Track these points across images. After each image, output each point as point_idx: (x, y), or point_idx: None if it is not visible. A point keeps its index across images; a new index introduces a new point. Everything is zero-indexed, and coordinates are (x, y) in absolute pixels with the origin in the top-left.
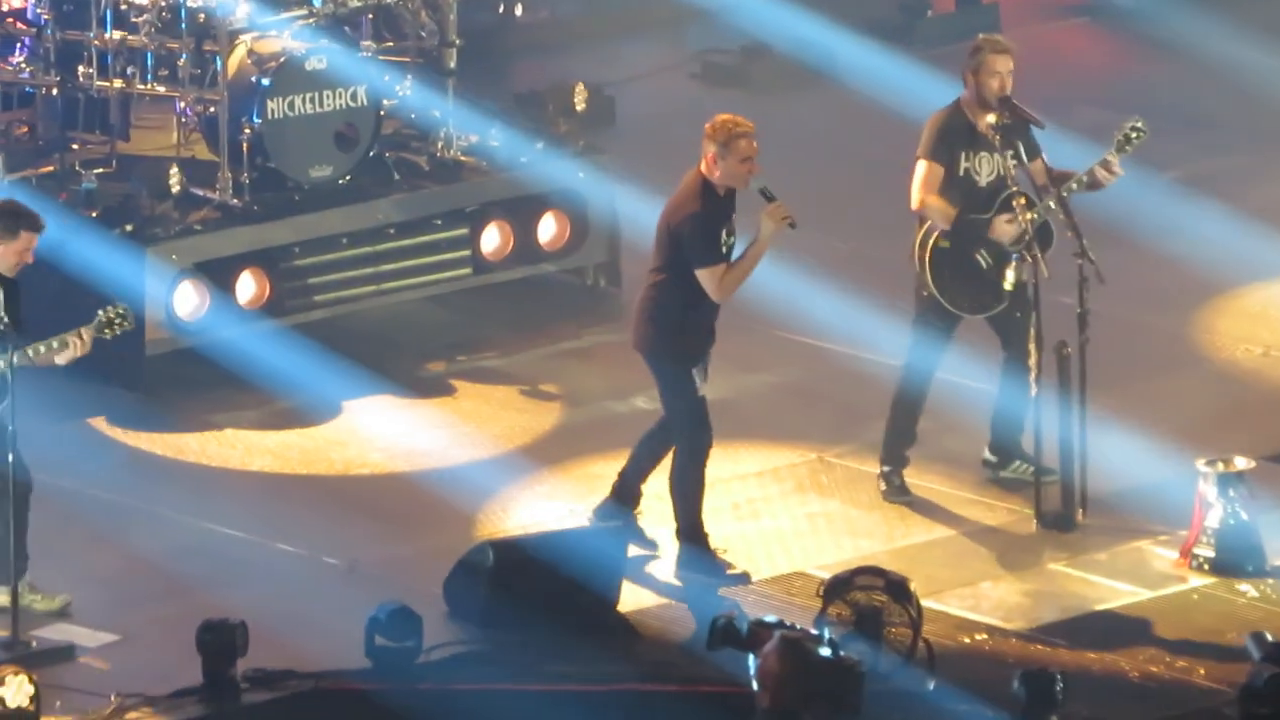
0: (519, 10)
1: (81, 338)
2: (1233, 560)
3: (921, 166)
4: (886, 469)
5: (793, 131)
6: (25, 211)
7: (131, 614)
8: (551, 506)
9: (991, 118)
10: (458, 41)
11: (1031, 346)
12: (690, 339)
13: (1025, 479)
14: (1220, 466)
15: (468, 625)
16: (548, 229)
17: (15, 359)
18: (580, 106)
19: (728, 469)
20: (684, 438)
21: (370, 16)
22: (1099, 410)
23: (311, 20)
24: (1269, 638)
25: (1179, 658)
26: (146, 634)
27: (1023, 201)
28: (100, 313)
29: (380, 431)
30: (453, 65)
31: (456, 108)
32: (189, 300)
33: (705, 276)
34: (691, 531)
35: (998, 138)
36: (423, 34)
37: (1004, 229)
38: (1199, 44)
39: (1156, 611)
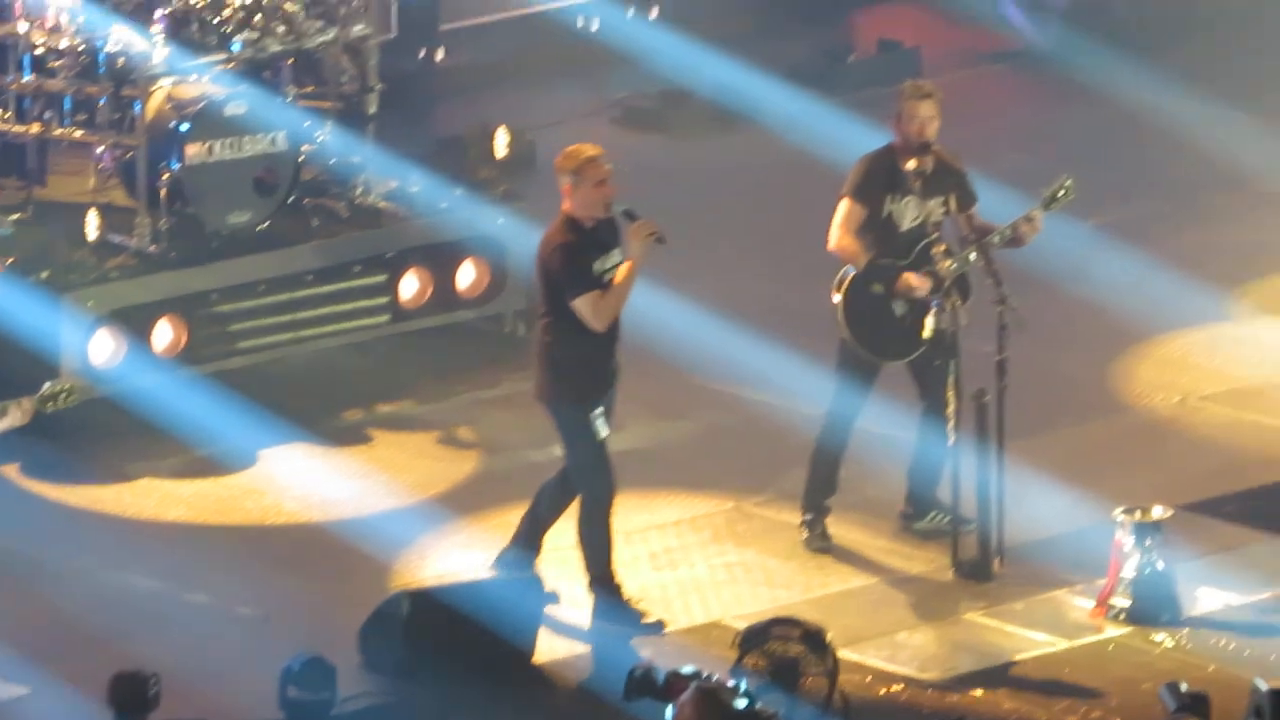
0: (439, 55)
1: (21, 406)
2: (1149, 610)
3: (843, 206)
4: (808, 517)
5: (714, 177)
6: None
7: (42, 666)
8: (468, 556)
9: (913, 163)
10: (378, 86)
11: (950, 395)
12: (584, 380)
13: (943, 529)
14: (1138, 515)
15: (383, 676)
16: (466, 276)
17: None
18: (501, 152)
19: (645, 518)
20: (585, 486)
21: (290, 61)
22: (1017, 459)
23: (231, 65)
24: (1184, 688)
25: (1095, 708)
26: (57, 687)
27: (942, 249)
28: (47, 385)
29: (296, 480)
30: (373, 110)
31: (376, 153)
32: (105, 348)
33: (580, 306)
34: (603, 581)
35: (919, 183)
36: (343, 79)
37: (913, 282)
38: (1119, 90)
39: (1072, 661)
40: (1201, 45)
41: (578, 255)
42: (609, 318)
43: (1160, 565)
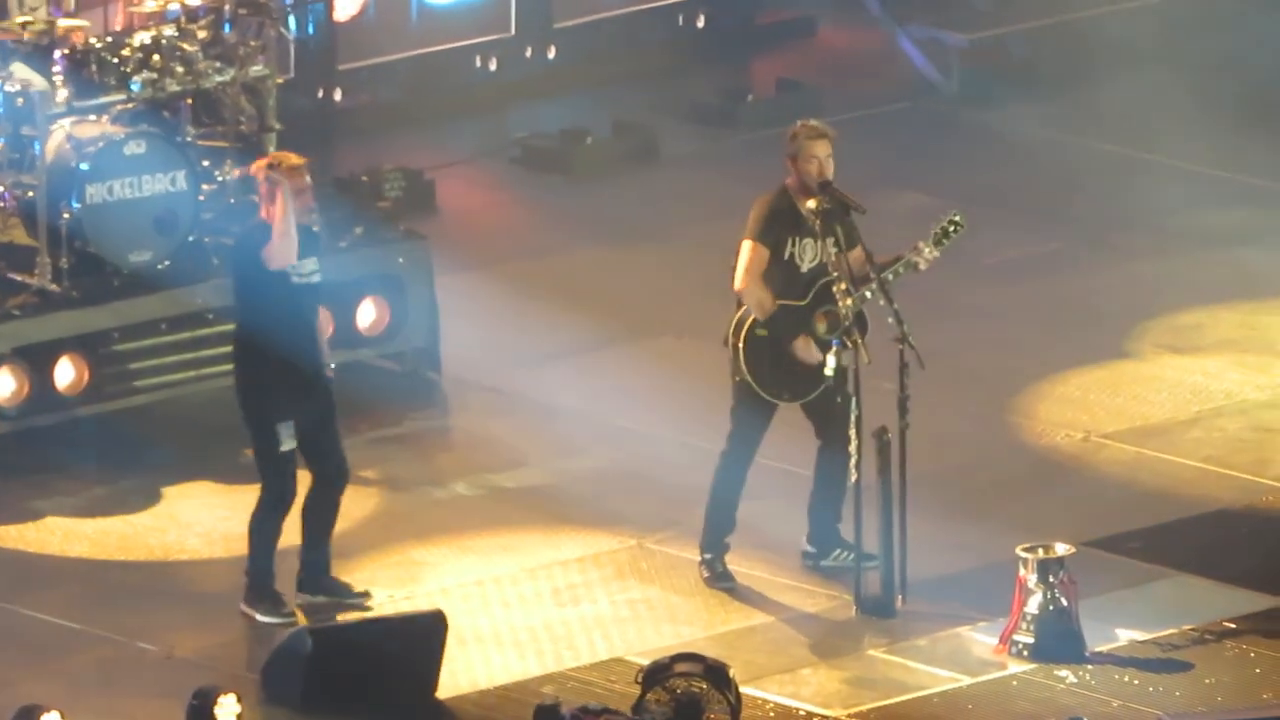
0: (338, 95)
1: None
2: (1052, 647)
3: (747, 248)
4: (708, 556)
5: (614, 216)
6: None
7: None
8: (371, 594)
9: (812, 203)
10: (277, 126)
11: (852, 432)
12: (276, 389)
13: (846, 566)
14: (1041, 552)
15: (286, 712)
16: (367, 314)
17: None
18: (399, 191)
19: (548, 554)
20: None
21: (189, 101)
22: (919, 496)
23: (131, 105)
24: None
25: None
26: None
27: (842, 287)
28: None
29: (199, 517)
30: (272, 150)
31: None
32: (8, 386)
33: None
34: (259, 574)
35: (818, 222)
36: (242, 119)
37: (801, 355)
38: (1018, 130)
39: (976, 698)
40: (1098, 86)
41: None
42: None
43: (1064, 602)
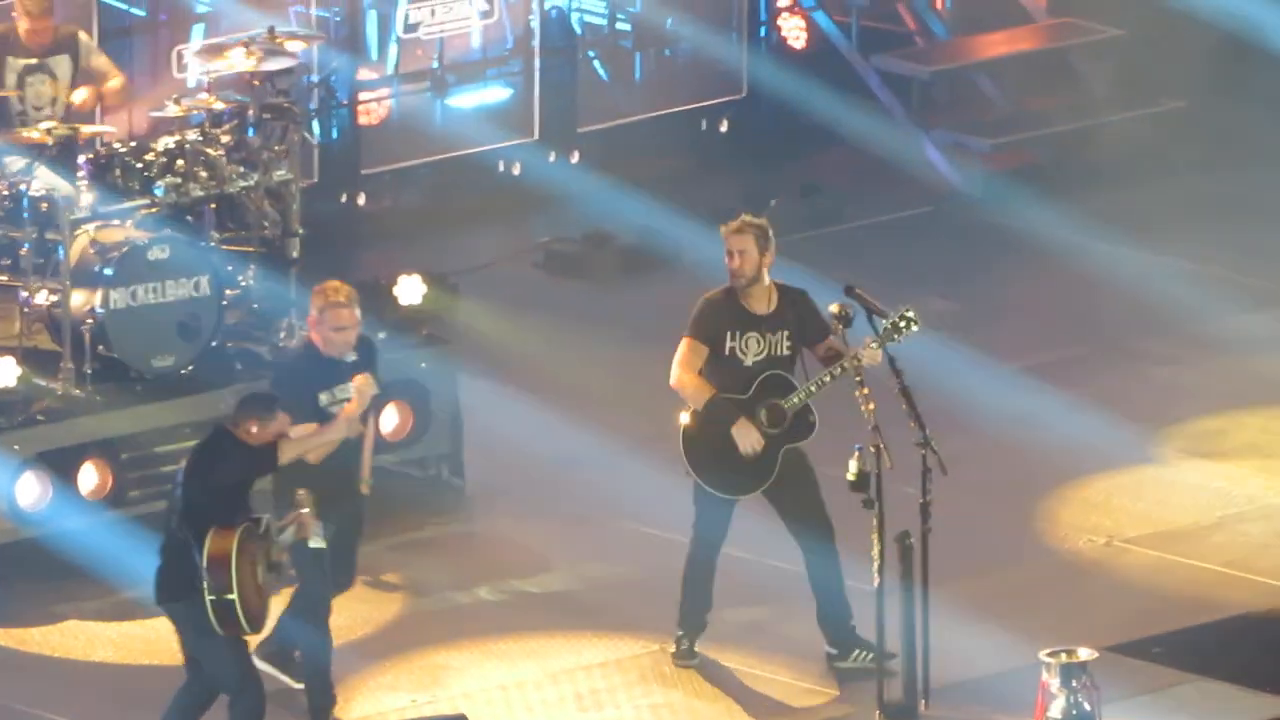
0: (361, 199)
1: None
2: None
3: (683, 345)
4: (678, 634)
5: (637, 320)
6: None
7: None
8: (394, 698)
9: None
10: (301, 231)
11: (874, 537)
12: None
13: (867, 667)
14: (1064, 657)
15: None
16: (390, 420)
17: None
18: (419, 298)
19: (572, 659)
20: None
21: (213, 206)
22: (942, 601)
23: (155, 209)
24: None
25: None
26: None
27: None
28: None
29: None
30: (296, 254)
31: (299, 297)
32: (31, 490)
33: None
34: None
35: (761, 318)
36: (265, 223)
37: (744, 448)
38: (1042, 235)
39: None
40: (1121, 190)
41: (299, 382)
42: (288, 456)
43: (1087, 707)
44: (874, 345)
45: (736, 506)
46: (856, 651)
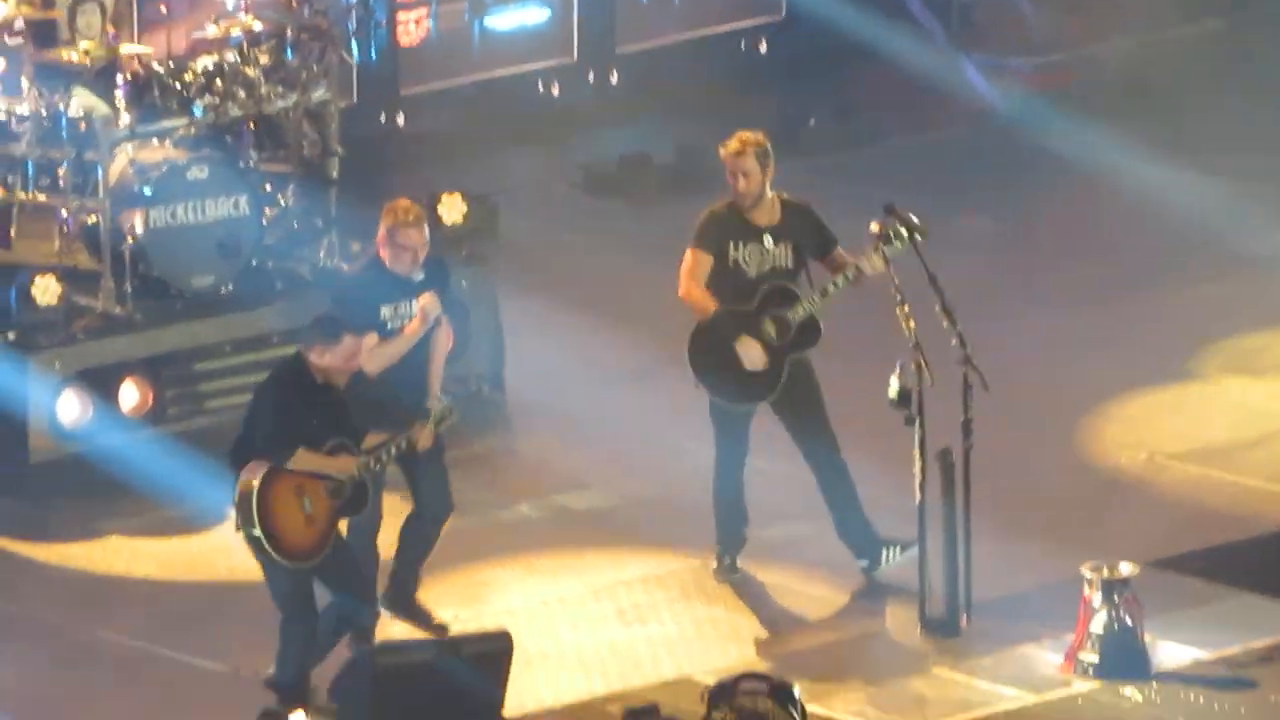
0: (401, 120)
1: None
2: (1118, 665)
3: (688, 256)
4: (719, 550)
5: (674, 241)
6: None
7: None
8: (438, 613)
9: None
10: (340, 151)
11: (915, 453)
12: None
13: (901, 561)
14: (1105, 572)
15: None
16: None
17: None
18: (460, 217)
19: (613, 575)
20: None
21: (252, 126)
22: (983, 517)
23: (193, 130)
24: None
25: None
26: None
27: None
28: None
29: None
30: (335, 175)
31: (339, 217)
32: (72, 408)
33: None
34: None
35: (763, 229)
36: (304, 144)
37: (749, 362)
38: (1081, 154)
39: (1041, 715)
40: (1161, 109)
41: (364, 294)
42: (378, 365)
43: (1129, 621)
44: (875, 255)
45: (768, 422)
46: (885, 551)
